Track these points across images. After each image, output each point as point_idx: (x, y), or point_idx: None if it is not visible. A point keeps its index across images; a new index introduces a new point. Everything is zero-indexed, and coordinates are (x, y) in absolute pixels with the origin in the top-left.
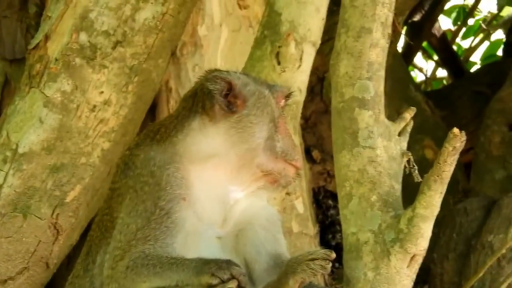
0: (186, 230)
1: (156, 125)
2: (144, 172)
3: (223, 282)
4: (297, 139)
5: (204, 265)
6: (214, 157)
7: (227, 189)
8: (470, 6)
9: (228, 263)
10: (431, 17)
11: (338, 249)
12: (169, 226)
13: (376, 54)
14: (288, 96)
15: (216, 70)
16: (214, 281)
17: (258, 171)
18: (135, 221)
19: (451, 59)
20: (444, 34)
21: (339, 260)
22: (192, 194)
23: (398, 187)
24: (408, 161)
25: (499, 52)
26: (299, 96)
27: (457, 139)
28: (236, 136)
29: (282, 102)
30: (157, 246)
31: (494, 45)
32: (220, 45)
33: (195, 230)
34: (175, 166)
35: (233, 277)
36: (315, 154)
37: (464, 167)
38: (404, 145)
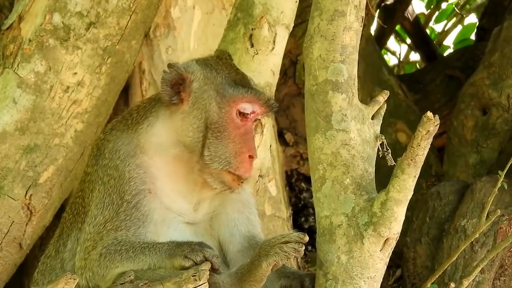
0: (155, 220)
1: (133, 109)
2: (111, 164)
3: (196, 264)
4: (270, 122)
5: (177, 247)
6: (171, 149)
7: (191, 180)
8: None
9: (201, 245)
10: (404, 1)
11: (311, 232)
12: (139, 218)
13: (350, 37)
14: (266, 105)
15: (197, 60)
16: (187, 263)
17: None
18: (102, 213)
19: (424, 43)
20: (417, 17)
21: (312, 243)
22: (157, 186)
23: (371, 170)
24: (382, 145)
25: (472, 36)
26: (272, 79)
27: (431, 123)
28: (178, 132)
29: (247, 109)
30: (130, 234)
31: (467, 29)
32: (193, 27)
33: (164, 219)
34: (138, 160)
35: (206, 259)
36: (288, 136)
37: (437, 151)
38: (378, 128)
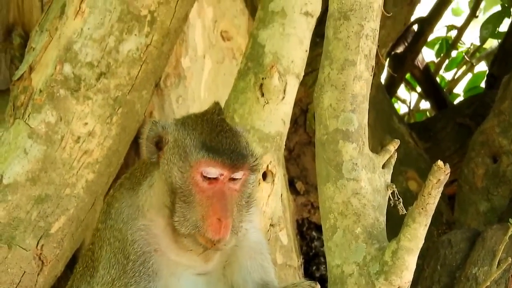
0: (165, 274)
1: (138, 165)
2: (116, 226)
3: None
4: (281, 171)
5: None
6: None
7: None
8: (453, 38)
9: None
10: (414, 49)
11: (323, 281)
12: (148, 274)
13: (360, 87)
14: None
15: (177, 118)
16: None
17: None
18: (109, 272)
19: (434, 91)
20: (427, 66)
21: None
22: (163, 245)
23: (382, 219)
24: (393, 193)
25: (482, 84)
26: (283, 128)
27: (441, 172)
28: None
29: (211, 173)
30: None
31: (477, 77)
32: (204, 77)
33: (173, 272)
34: (140, 223)
35: None
36: (299, 185)
37: (448, 199)
38: (388, 177)
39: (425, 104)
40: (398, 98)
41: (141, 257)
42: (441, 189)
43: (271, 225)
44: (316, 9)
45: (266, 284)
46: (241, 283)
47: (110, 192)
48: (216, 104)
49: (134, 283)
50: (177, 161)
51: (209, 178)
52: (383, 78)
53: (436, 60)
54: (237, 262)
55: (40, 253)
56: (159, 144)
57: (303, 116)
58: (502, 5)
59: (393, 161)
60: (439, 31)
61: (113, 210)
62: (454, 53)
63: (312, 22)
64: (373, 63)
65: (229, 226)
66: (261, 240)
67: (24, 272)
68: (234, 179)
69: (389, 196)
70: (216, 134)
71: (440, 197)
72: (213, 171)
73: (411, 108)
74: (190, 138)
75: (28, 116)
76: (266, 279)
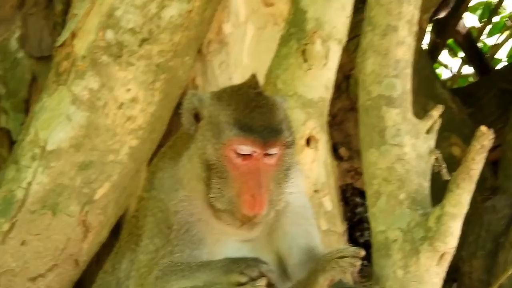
0: (209, 242)
1: (180, 133)
2: (158, 197)
3: (252, 279)
4: (324, 137)
5: (232, 263)
6: None
7: None
8: (495, 3)
9: (256, 260)
10: (456, 15)
11: (367, 246)
12: (192, 241)
13: (403, 52)
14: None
15: (213, 92)
16: (243, 279)
17: None
18: (152, 241)
19: (477, 56)
20: (469, 31)
21: (368, 257)
22: (205, 214)
23: (426, 185)
24: (436, 159)
25: None
26: (326, 94)
27: (485, 137)
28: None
29: (244, 150)
30: (185, 256)
31: None
32: (246, 43)
33: (218, 239)
34: (181, 194)
35: (262, 274)
36: (342, 151)
37: (492, 164)
38: (432, 143)
39: (467, 69)
40: (441, 64)
41: (184, 226)
42: (485, 154)
43: (315, 191)
44: None
45: (311, 250)
46: (286, 249)
47: (154, 160)
48: (253, 77)
49: (179, 251)
50: (210, 138)
51: (243, 155)
52: (425, 43)
53: (478, 25)
54: (281, 228)
55: (85, 220)
56: (197, 116)
57: (346, 82)
58: None
59: (436, 126)
60: None
61: (156, 180)
62: (496, 18)
63: None
64: (416, 28)
65: (264, 202)
66: (305, 204)
67: (69, 238)
68: (269, 155)
69: (433, 162)
70: (250, 110)
71: (483, 162)
72: (245, 148)
73: (454, 73)
74: (224, 114)
75: (71, 82)
76: (311, 245)
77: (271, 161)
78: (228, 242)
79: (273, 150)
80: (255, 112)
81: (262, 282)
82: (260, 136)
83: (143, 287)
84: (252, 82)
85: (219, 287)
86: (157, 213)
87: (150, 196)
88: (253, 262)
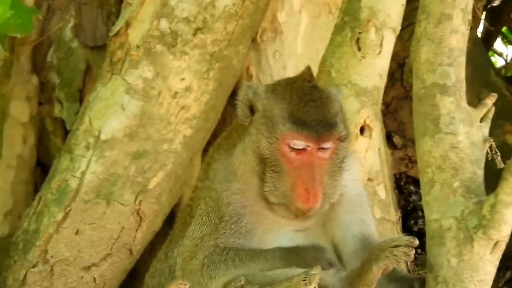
0: (261, 230)
1: (235, 125)
2: (212, 186)
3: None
4: (378, 125)
5: (290, 253)
6: None
7: None
8: None
9: (317, 249)
10: (510, 2)
11: (421, 235)
12: (240, 232)
13: (457, 40)
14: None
15: (268, 84)
16: (313, 271)
17: None
18: (200, 228)
19: None
20: None
21: (421, 246)
22: (258, 206)
23: (480, 173)
24: (490, 147)
25: None
26: (380, 82)
27: None
28: (247, 158)
29: (298, 144)
30: (229, 243)
31: None
32: (300, 31)
33: (271, 228)
34: (234, 187)
35: (330, 264)
36: (396, 139)
37: None
38: (486, 131)
39: None
40: (495, 52)
41: (234, 217)
42: None
43: (369, 179)
44: None
45: (366, 238)
46: (340, 237)
47: (209, 151)
48: (308, 69)
49: (223, 238)
50: (264, 131)
51: (297, 149)
52: (479, 31)
53: None
54: (336, 217)
55: (138, 209)
56: (251, 108)
57: (400, 70)
58: None
59: (490, 114)
60: None
61: (211, 170)
62: None
63: None
64: (470, 16)
65: (318, 195)
66: (361, 192)
67: (123, 227)
68: (323, 149)
69: (487, 150)
70: (304, 104)
71: None
72: (299, 143)
73: (508, 61)
74: (278, 108)
75: (125, 71)
76: (365, 233)
77: (325, 155)
78: (281, 232)
79: (327, 145)
80: (309, 106)
81: (316, 271)
82: (313, 131)
83: (184, 271)
84: (306, 74)
85: (273, 273)
86: (209, 202)
87: (204, 186)
88: (317, 252)
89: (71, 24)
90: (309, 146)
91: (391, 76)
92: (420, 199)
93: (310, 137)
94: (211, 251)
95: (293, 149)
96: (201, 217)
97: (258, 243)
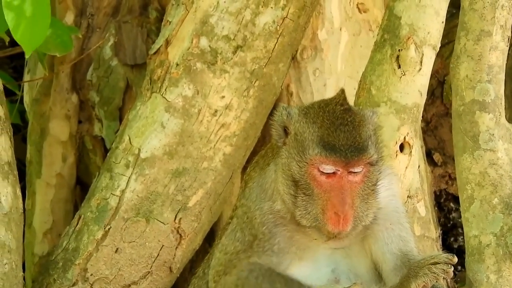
0: (297, 249)
1: (271, 145)
2: (247, 204)
3: None
4: (418, 142)
5: None
6: None
7: None
8: None
9: None
10: None
11: (461, 252)
12: (273, 250)
13: (496, 57)
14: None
15: (302, 107)
16: None
17: None
18: (233, 243)
19: None
20: None
21: (461, 263)
22: (291, 225)
23: None
24: None
25: None
26: (420, 99)
27: None
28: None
29: (327, 169)
30: (261, 262)
31: None
32: (340, 49)
33: (308, 246)
34: (269, 206)
35: None
36: (436, 156)
37: None
38: None
39: None
40: None
41: (267, 235)
42: None
43: (409, 196)
44: None
45: (405, 255)
46: (379, 255)
47: (247, 170)
48: (341, 92)
49: (255, 256)
50: (295, 155)
51: (327, 173)
52: None
53: None
54: (374, 235)
55: (178, 227)
56: (286, 130)
57: (440, 87)
58: None
59: None
60: None
61: (247, 188)
62: None
63: None
64: (509, 33)
65: (349, 219)
66: (398, 209)
67: (162, 246)
68: (353, 172)
69: None
70: (335, 128)
71: None
72: (328, 167)
73: None
74: (309, 132)
75: (165, 90)
76: (404, 250)
77: (356, 178)
78: (318, 249)
79: (357, 169)
80: (339, 130)
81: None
82: (342, 156)
83: (216, 284)
84: (339, 98)
85: None
86: (243, 217)
87: (240, 205)
88: None
89: (110, 43)
90: (338, 170)
91: (431, 93)
92: (460, 216)
93: (339, 162)
94: (246, 273)
95: (323, 173)
96: (234, 232)
97: (294, 260)
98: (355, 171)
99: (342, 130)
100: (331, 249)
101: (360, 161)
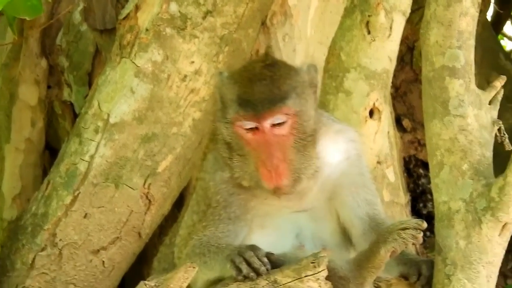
0: (252, 216)
1: None
2: (204, 176)
3: (245, 277)
4: (387, 108)
5: (234, 255)
6: None
7: None
8: None
9: (253, 253)
10: None
11: (430, 218)
12: (229, 217)
13: (466, 23)
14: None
15: (228, 72)
16: (237, 275)
17: None
18: (191, 217)
19: None
20: None
21: (430, 229)
22: (246, 191)
23: (489, 155)
24: (499, 130)
25: None
26: (389, 65)
27: None
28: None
29: (248, 125)
30: (218, 232)
31: None
32: (310, 15)
33: (267, 213)
34: (222, 175)
35: (256, 272)
36: (406, 123)
37: None
38: (495, 113)
39: None
40: (505, 35)
41: (222, 204)
42: None
43: (378, 162)
44: None
45: (373, 219)
46: (347, 219)
47: (207, 141)
48: (266, 53)
49: (212, 225)
50: (222, 117)
51: (251, 130)
52: (489, 15)
53: None
54: (339, 198)
55: (147, 192)
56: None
57: (409, 53)
58: None
59: (499, 97)
60: None
61: (206, 160)
62: None
63: None
64: None
65: (282, 172)
66: (362, 171)
67: (131, 211)
68: (277, 125)
69: (496, 133)
70: (252, 84)
71: None
72: (247, 123)
73: None
74: (230, 93)
75: (135, 55)
76: (371, 214)
77: (282, 131)
78: (279, 214)
79: (277, 120)
80: (255, 85)
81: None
82: (256, 109)
83: (180, 260)
84: (264, 56)
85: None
86: (199, 191)
87: (199, 177)
88: (250, 255)
89: (80, 8)
90: (258, 124)
91: (401, 59)
92: (429, 182)
93: (255, 116)
94: (195, 243)
95: (247, 130)
96: (192, 206)
97: (255, 228)
98: (275, 122)
99: (258, 85)
100: (294, 213)
101: (275, 112)
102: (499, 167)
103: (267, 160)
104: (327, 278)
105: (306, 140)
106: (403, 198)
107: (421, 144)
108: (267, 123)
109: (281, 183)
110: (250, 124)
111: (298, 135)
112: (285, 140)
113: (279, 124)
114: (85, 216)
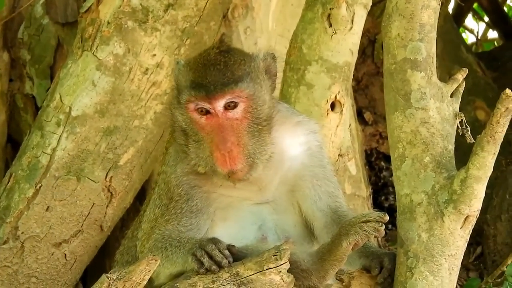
0: (214, 208)
1: None
2: (164, 170)
3: (207, 270)
4: (349, 101)
5: (196, 249)
6: None
7: None
8: None
9: (214, 247)
10: None
11: (392, 210)
12: (191, 210)
13: (428, 16)
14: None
15: (185, 60)
16: (199, 269)
17: None
18: (153, 211)
19: (502, 20)
20: None
21: (392, 221)
22: (207, 183)
23: (451, 148)
24: (461, 122)
25: None
26: (351, 58)
27: (510, 100)
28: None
29: (200, 108)
30: (180, 226)
31: None
32: (272, 8)
33: (229, 205)
34: (182, 168)
35: (218, 265)
36: (367, 115)
37: None
38: (457, 106)
39: (492, 34)
40: (466, 28)
41: (183, 197)
42: (509, 117)
43: (340, 155)
44: None
45: (334, 212)
46: (309, 213)
47: (168, 137)
48: (220, 40)
49: (175, 219)
50: (176, 104)
51: (204, 114)
52: (450, 7)
53: None
54: (300, 190)
55: (109, 185)
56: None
57: (371, 46)
58: None
59: (461, 90)
60: None
61: (167, 154)
62: None
63: None
64: None
65: (236, 156)
66: (322, 163)
67: (93, 204)
68: (230, 109)
69: (458, 125)
70: (205, 69)
71: (508, 126)
72: (199, 105)
73: (479, 37)
74: (183, 79)
75: (96, 48)
76: (333, 206)
77: (235, 115)
78: (241, 206)
79: (228, 101)
80: (208, 70)
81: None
82: (208, 90)
83: (142, 255)
84: (219, 43)
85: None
86: (161, 185)
87: (161, 171)
88: (211, 248)
89: (42, 1)
90: (210, 107)
91: (362, 52)
92: (391, 175)
93: (206, 98)
94: (157, 237)
95: (200, 114)
96: (154, 200)
97: (218, 221)
98: (227, 102)
99: (212, 69)
100: (256, 205)
101: (227, 93)
102: (461, 160)
103: (220, 144)
104: (289, 271)
105: (260, 125)
106: (365, 191)
107: (383, 137)
108: (219, 105)
109: (235, 167)
110: (203, 105)
111: (252, 120)
112: (239, 124)
113: (232, 108)
114: (47, 209)
